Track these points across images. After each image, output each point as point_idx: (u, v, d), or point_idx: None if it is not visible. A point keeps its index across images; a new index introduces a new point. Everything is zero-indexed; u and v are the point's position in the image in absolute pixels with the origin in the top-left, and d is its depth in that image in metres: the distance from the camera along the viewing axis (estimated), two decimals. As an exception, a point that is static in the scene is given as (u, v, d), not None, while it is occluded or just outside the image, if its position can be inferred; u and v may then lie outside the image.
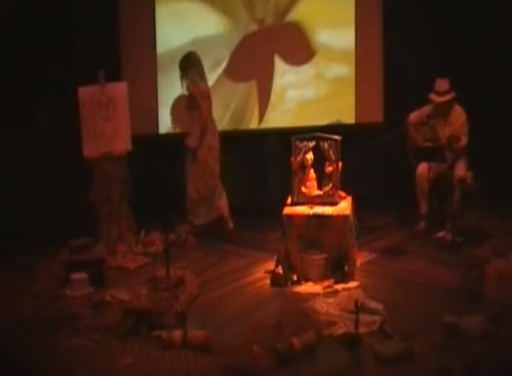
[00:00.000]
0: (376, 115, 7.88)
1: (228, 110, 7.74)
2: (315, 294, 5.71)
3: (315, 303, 5.46)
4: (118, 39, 7.30)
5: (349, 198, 6.36)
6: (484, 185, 6.75)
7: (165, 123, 7.59)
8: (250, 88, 7.73)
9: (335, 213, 6.09)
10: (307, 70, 7.82)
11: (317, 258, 5.99)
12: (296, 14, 7.70)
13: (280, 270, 6.06)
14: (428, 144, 6.96)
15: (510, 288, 5.72)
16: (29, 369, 4.65)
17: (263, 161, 7.90)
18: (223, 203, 7.03)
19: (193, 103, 6.78)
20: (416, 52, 7.68)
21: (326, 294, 5.72)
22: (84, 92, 6.50)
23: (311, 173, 6.33)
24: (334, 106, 7.89)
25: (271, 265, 6.21)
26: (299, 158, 6.24)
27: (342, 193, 6.30)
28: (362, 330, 4.83)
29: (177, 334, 4.94)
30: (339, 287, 5.85)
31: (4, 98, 6.81)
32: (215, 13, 7.56)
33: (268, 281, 6.07)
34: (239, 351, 4.69)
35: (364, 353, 4.70)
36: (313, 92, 7.86)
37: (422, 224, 7.02)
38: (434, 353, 4.70)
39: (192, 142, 6.81)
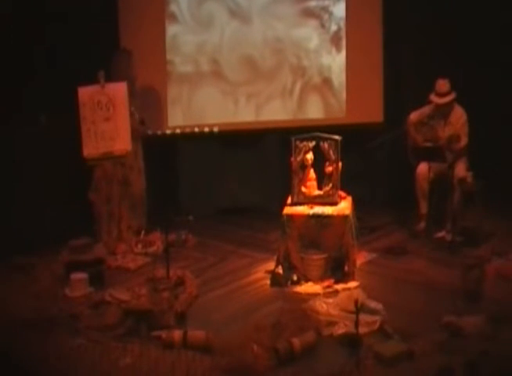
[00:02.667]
0: (376, 115, 7.87)
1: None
2: (315, 294, 5.71)
3: (315, 303, 5.46)
4: (119, 38, 7.31)
5: (349, 198, 6.36)
6: (484, 185, 6.75)
7: (174, 121, 7.64)
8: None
9: (335, 213, 6.09)
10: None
11: (317, 258, 5.99)
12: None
13: (280, 270, 6.06)
14: (428, 144, 6.96)
15: (510, 288, 5.72)
16: (29, 369, 4.65)
17: (263, 161, 7.90)
18: None
19: None
20: (416, 52, 7.68)
21: (326, 294, 5.72)
22: (84, 92, 6.48)
23: (311, 173, 6.33)
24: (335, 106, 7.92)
25: (271, 265, 6.21)
26: (299, 158, 6.24)
27: (342, 193, 6.31)
28: (362, 330, 4.82)
29: (177, 334, 4.94)
30: (339, 287, 5.85)
31: (4, 98, 6.81)
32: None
33: (268, 281, 6.07)
34: (239, 351, 4.68)
35: (364, 353, 4.70)
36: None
37: (422, 224, 7.01)
38: (434, 353, 4.70)
39: None
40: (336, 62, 7.78)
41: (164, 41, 7.51)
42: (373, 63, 7.79)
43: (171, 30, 7.53)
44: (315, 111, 7.86)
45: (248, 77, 7.73)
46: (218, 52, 7.64)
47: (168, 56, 7.55)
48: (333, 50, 7.77)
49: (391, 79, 7.77)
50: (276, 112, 7.81)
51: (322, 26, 7.72)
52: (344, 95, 7.84)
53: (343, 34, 7.73)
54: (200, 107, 7.69)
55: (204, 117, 7.70)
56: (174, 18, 7.54)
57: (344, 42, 7.75)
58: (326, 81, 7.82)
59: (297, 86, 7.80)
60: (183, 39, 7.56)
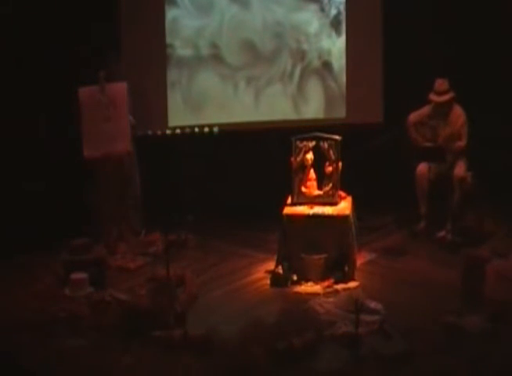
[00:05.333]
0: (376, 115, 7.88)
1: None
2: (315, 294, 5.72)
3: (315, 303, 5.46)
4: (120, 37, 7.32)
5: (349, 198, 6.37)
6: (484, 185, 6.75)
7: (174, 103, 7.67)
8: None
9: (335, 213, 6.09)
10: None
11: (317, 258, 5.99)
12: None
13: (280, 270, 6.06)
14: (428, 144, 6.96)
15: (510, 288, 5.71)
16: (29, 369, 4.65)
17: (263, 161, 7.90)
18: None
19: None
20: (416, 51, 7.68)
21: (326, 294, 5.72)
22: (85, 93, 6.50)
23: (311, 173, 6.34)
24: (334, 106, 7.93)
25: (271, 265, 6.21)
26: (299, 158, 6.24)
27: (342, 193, 6.31)
28: (362, 330, 4.83)
29: (177, 334, 4.94)
30: (339, 287, 5.85)
31: (5, 97, 6.82)
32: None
33: (268, 281, 6.07)
34: (239, 351, 4.68)
35: (364, 353, 4.70)
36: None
37: (422, 224, 7.01)
38: (434, 353, 4.70)
39: None
40: (336, 46, 7.82)
41: (163, 25, 7.51)
42: (373, 47, 7.80)
43: (171, 14, 7.53)
44: (315, 95, 7.88)
45: (248, 61, 7.74)
46: (218, 36, 7.65)
47: (168, 40, 7.55)
48: (333, 34, 7.80)
49: (391, 79, 7.77)
50: (276, 96, 7.83)
51: (322, 10, 7.74)
52: (343, 78, 7.86)
53: (343, 18, 7.77)
54: (200, 91, 7.69)
55: (204, 101, 7.71)
56: (173, 2, 7.53)
57: (343, 26, 7.78)
58: (326, 65, 7.86)
59: (297, 70, 7.82)
60: (183, 23, 7.57)
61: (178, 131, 7.68)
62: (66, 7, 7.00)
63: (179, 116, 7.65)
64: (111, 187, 6.75)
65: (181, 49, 7.59)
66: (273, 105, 7.85)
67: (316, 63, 7.84)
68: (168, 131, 7.65)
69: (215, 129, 7.74)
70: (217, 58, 7.67)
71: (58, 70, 6.93)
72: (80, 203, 6.81)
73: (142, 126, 7.17)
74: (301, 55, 7.80)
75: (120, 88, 6.56)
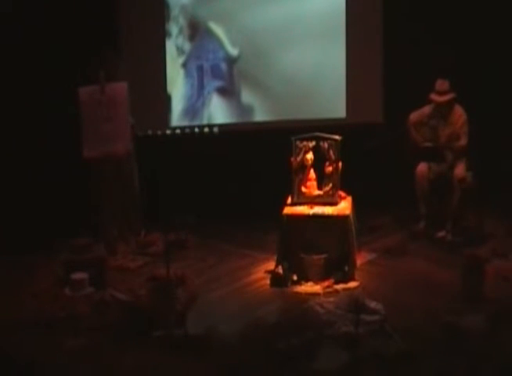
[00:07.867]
0: (376, 115, 7.88)
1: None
2: (315, 294, 5.72)
3: (315, 303, 5.46)
4: (119, 37, 7.32)
5: (349, 198, 6.37)
6: (484, 185, 6.75)
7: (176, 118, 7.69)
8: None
9: (335, 213, 6.09)
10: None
11: (317, 258, 5.99)
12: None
13: (280, 270, 6.07)
14: (428, 144, 6.97)
15: (510, 288, 5.72)
16: (29, 369, 4.65)
17: (263, 161, 7.91)
18: None
19: None
20: (416, 52, 7.68)
21: (326, 294, 5.72)
22: (85, 92, 6.49)
23: (311, 173, 6.34)
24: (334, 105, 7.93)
25: (271, 265, 6.21)
26: (299, 158, 6.24)
27: (342, 193, 6.31)
28: (362, 330, 4.82)
29: (177, 334, 4.94)
30: (339, 287, 5.86)
31: (4, 97, 6.82)
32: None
33: (268, 281, 6.08)
34: (239, 351, 4.68)
35: (364, 353, 4.70)
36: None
37: (422, 224, 7.02)
38: (434, 353, 4.70)
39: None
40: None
41: (163, 24, 7.54)
42: (373, 46, 7.82)
43: (170, 2, 7.58)
44: (315, 92, 7.88)
45: (249, 58, 7.78)
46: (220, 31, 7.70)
47: (167, 27, 7.58)
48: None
49: (391, 79, 7.78)
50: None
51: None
52: (344, 76, 7.85)
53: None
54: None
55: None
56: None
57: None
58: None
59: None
60: (181, 12, 7.60)
61: (178, 131, 7.68)
62: (66, 7, 7.00)
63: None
64: (111, 187, 6.75)
65: (179, 36, 7.62)
66: (273, 102, 7.83)
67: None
68: (168, 131, 7.65)
69: (215, 129, 7.74)
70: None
71: (58, 70, 6.94)
72: (80, 203, 6.81)
73: (142, 126, 7.18)
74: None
75: (120, 88, 6.55)
